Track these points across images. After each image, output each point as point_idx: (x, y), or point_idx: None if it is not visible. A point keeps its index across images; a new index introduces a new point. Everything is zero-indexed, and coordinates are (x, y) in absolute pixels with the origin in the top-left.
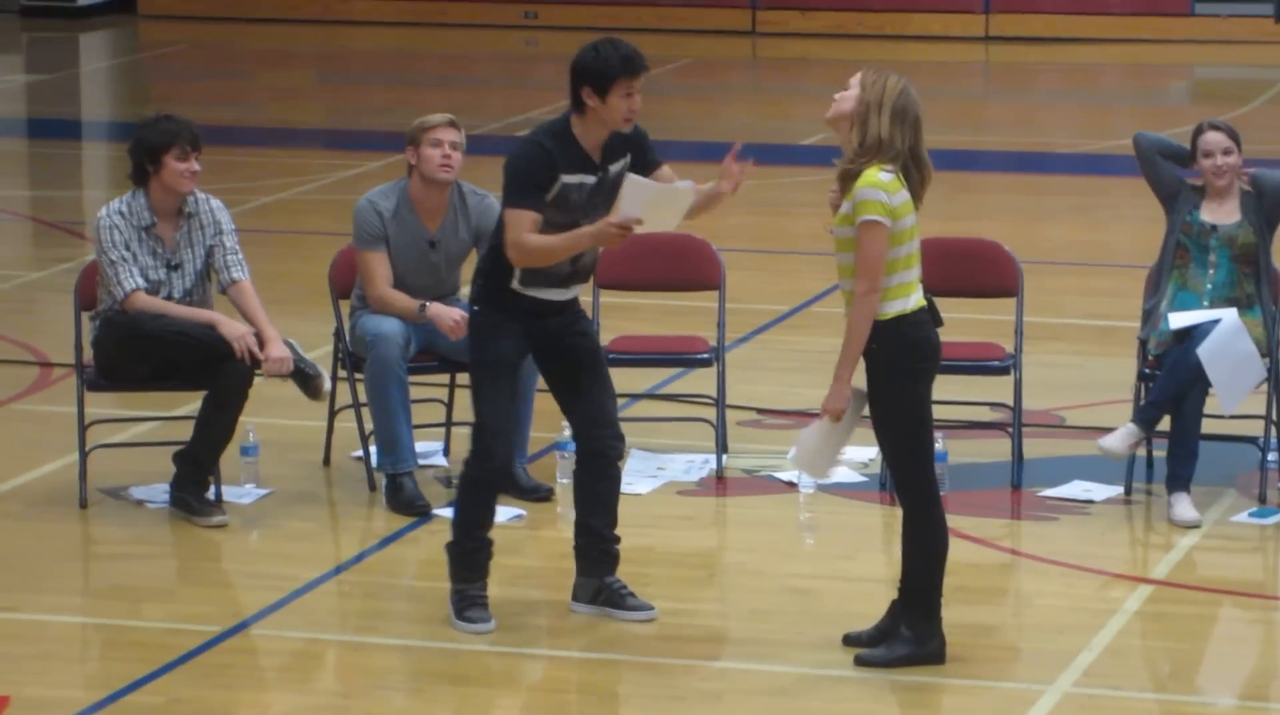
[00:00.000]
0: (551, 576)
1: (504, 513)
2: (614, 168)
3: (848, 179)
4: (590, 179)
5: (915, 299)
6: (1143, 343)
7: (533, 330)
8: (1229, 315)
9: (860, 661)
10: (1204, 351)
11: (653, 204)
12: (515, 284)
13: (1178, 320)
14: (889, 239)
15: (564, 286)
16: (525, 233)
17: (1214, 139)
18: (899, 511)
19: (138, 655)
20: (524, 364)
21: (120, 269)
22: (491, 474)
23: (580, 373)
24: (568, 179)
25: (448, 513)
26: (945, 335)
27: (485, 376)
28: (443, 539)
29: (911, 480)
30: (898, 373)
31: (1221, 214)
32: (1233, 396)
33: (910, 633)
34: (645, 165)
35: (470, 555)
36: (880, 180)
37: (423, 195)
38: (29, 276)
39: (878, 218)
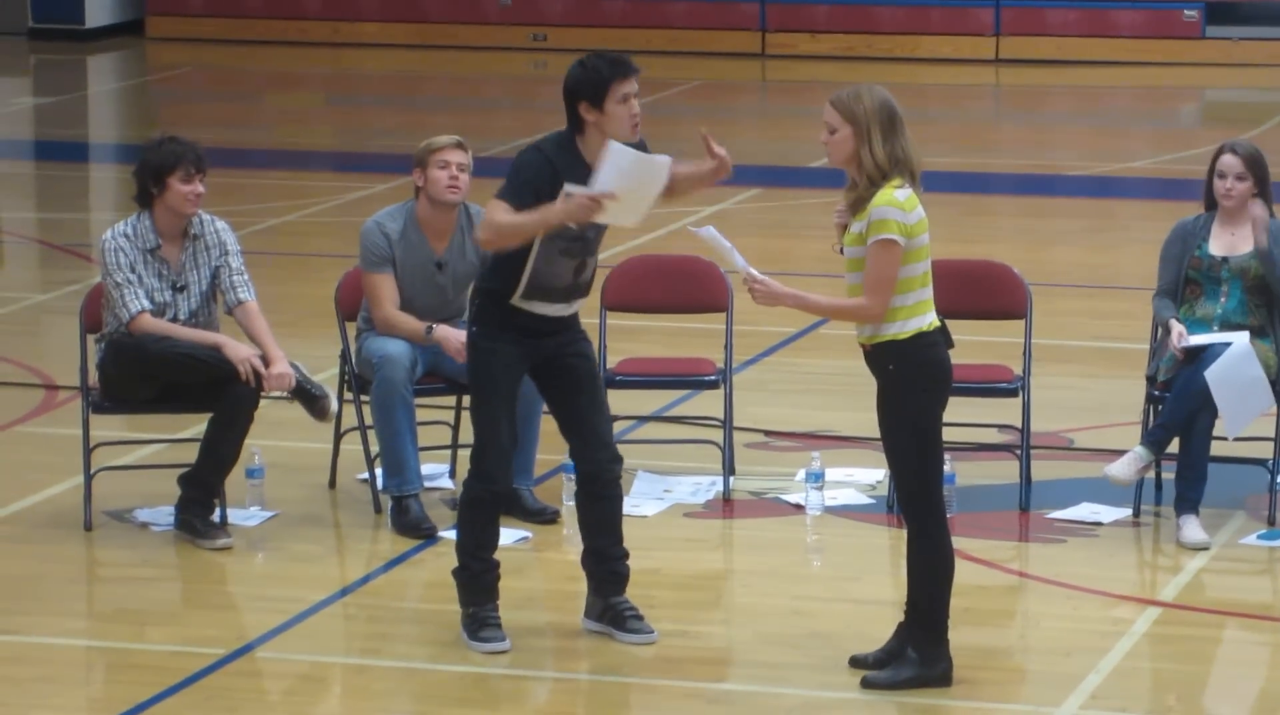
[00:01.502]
0: (557, 599)
1: (510, 535)
2: None
3: (860, 204)
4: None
5: (931, 318)
6: (1150, 379)
7: (531, 350)
8: (1240, 338)
9: (867, 684)
10: (1211, 374)
11: (630, 174)
12: (516, 300)
13: (1209, 373)
14: (905, 257)
15: (565, 300)
16: (501, 214)
17: (1228, 162)
18: (905, 533)
19: (142, 678)
20: (525, 386)
21: (125, 291)
22: (492, 495)
23: (578, 393)
24: (571, 189)
25: (453, 535)
26: (954, 357)
27: (486, 399)
28: (449, 562)
29: (919, 501)
30: (913, 392)
31: (1233, 244)
32: (1238, 421)
33: (917, 655)
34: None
35: (478, 577)
36: (896, 199)
37: (430, 217)
38: (35, 299)
39: (894, 237)
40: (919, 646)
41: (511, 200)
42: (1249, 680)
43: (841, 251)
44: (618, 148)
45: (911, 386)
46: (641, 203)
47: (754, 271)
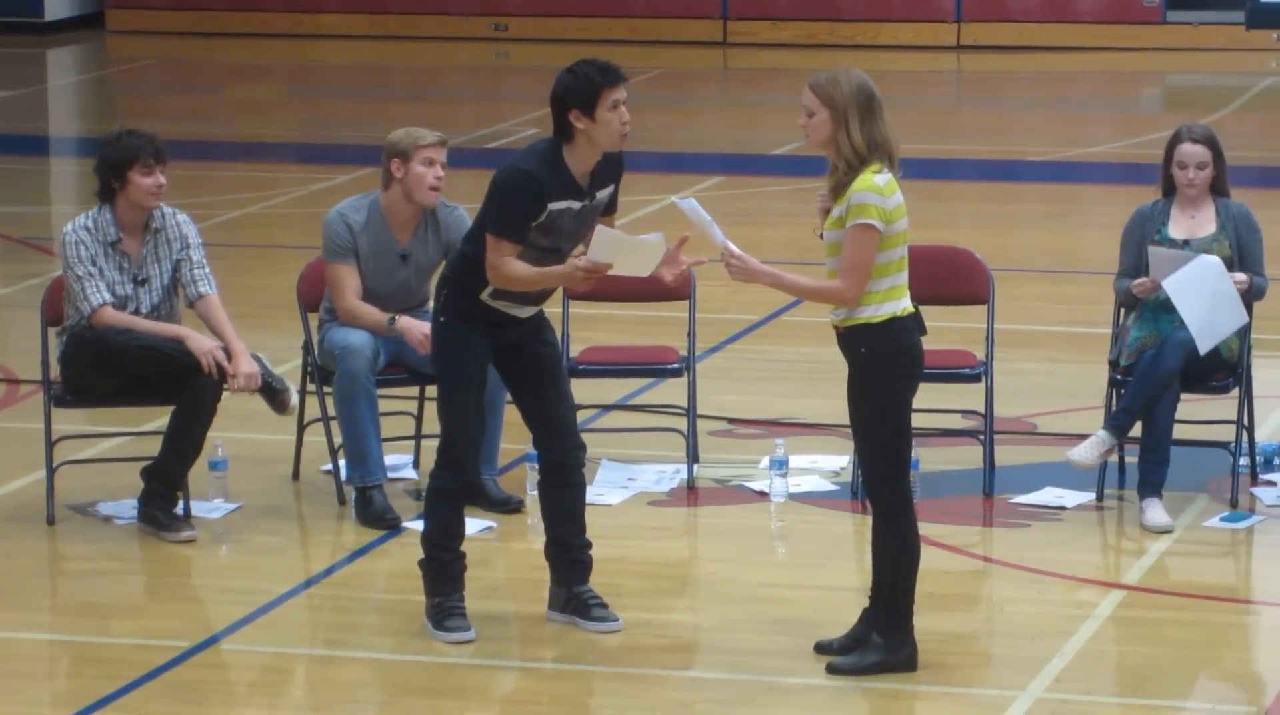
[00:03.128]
0: (522, 588)
1: (474, 525)
2: (600, 194)
3: (840, 189)
4: (576, 205)
5: (905, 304)
6: (1113, 363)
7: (497, 340)
8: (1206, 256)
9: (832, 670)
10: (1170, 282)
11: (622, 254)
12: (485, 296)
13: (1168, 282)
14: (883, 242)
15: (534, 303)
16: (506, 259)
17: (1189, 152)
18: (870, 519)
19: (106, 672)
20: (490, 375)
21: (87, 284)
22: (461, 485)
23: (542, 381)
24: (554, 206)
25: (418, 525)
26: None
27: (452, 388)
28: (413, 552)
29: (886, 486)
30: (884, 377)
31: (1194, 227)
32: (1207, 335)
33: (882, 640)
34: (608, 207)
35: (446, 567)
36: (875, 184)
37: (397, 209)
38: None
39: (872, 222)
40: (884, 632)
41: (511, 237)
42: (1213, 662)
43: (822, 236)
44: (604, 232)
45: (882, 371)
46: (639, 271)
47: (732, 247)
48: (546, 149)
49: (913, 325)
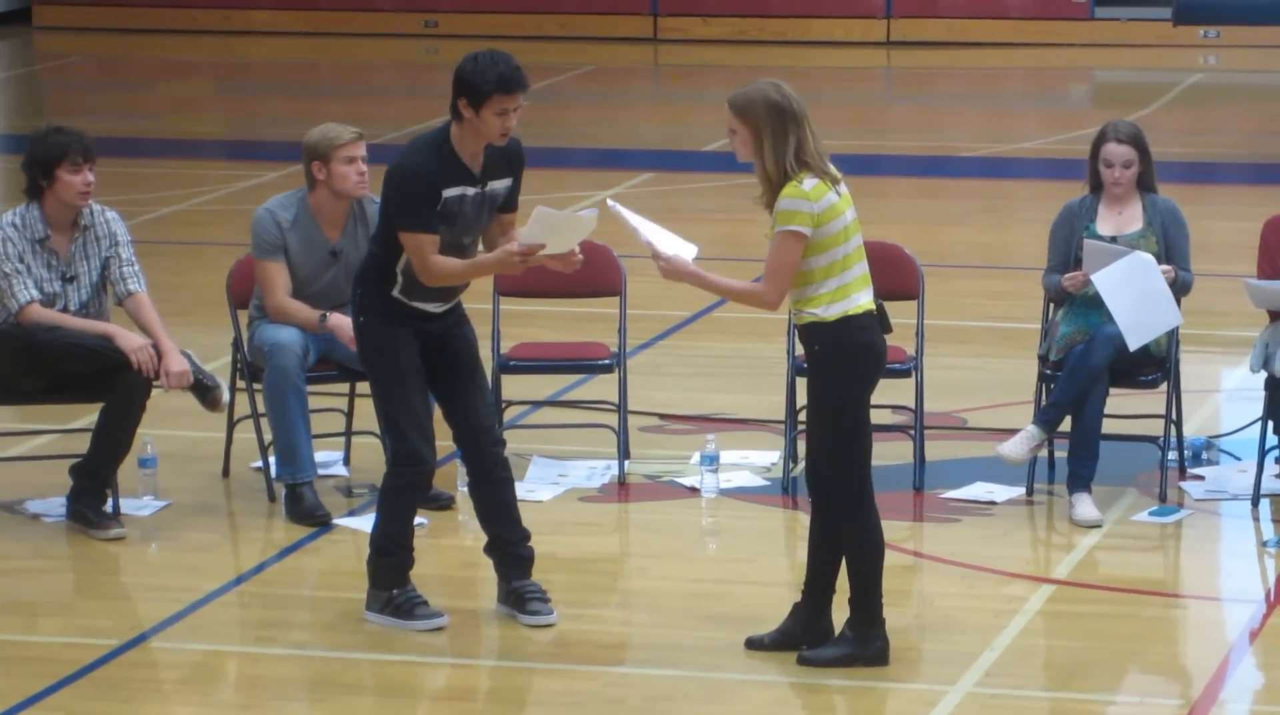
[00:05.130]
0: (453, 585)
1: None
2: (495, 184)
3: (770, 203)
4: (471, 190)
5: (859, 301)
6: (1042, 358)
7: (417, 333)
8: (1139, 253)
9: (802, 661)
10: (1100, 277)
11: (556, 231)
12: (396, 293)
13: (1097, 277)
14: (818, 245)
15: (443, 299)
16: (430, 256)
17: (1115, 151)
18: (801, 515)
19: (35, 670)
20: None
21: (14, 281)
22: (420, 476)
23: (458, 378)
24: (449, 193)
25: (348, 522)
26: None
27: (393, 381)
28: (344, 549)
29: (843, 483)
30: (837, 375)
31: (1121, 223)
32: (1137, 333)
33: (852, 634)
34: (506, 203)
35: (400, 563)
36: (802, 190)
37: (326, 207)
38: None
39: (797, 228)
40: (854, 626)
41: (421, 228)
42: (1142, 655)
43: (767, 238)
44: (544, 212)
45: (834, 368)
46: (567, 246)
47: (660, 249)
48: (434, 136)
49: (868, 322)
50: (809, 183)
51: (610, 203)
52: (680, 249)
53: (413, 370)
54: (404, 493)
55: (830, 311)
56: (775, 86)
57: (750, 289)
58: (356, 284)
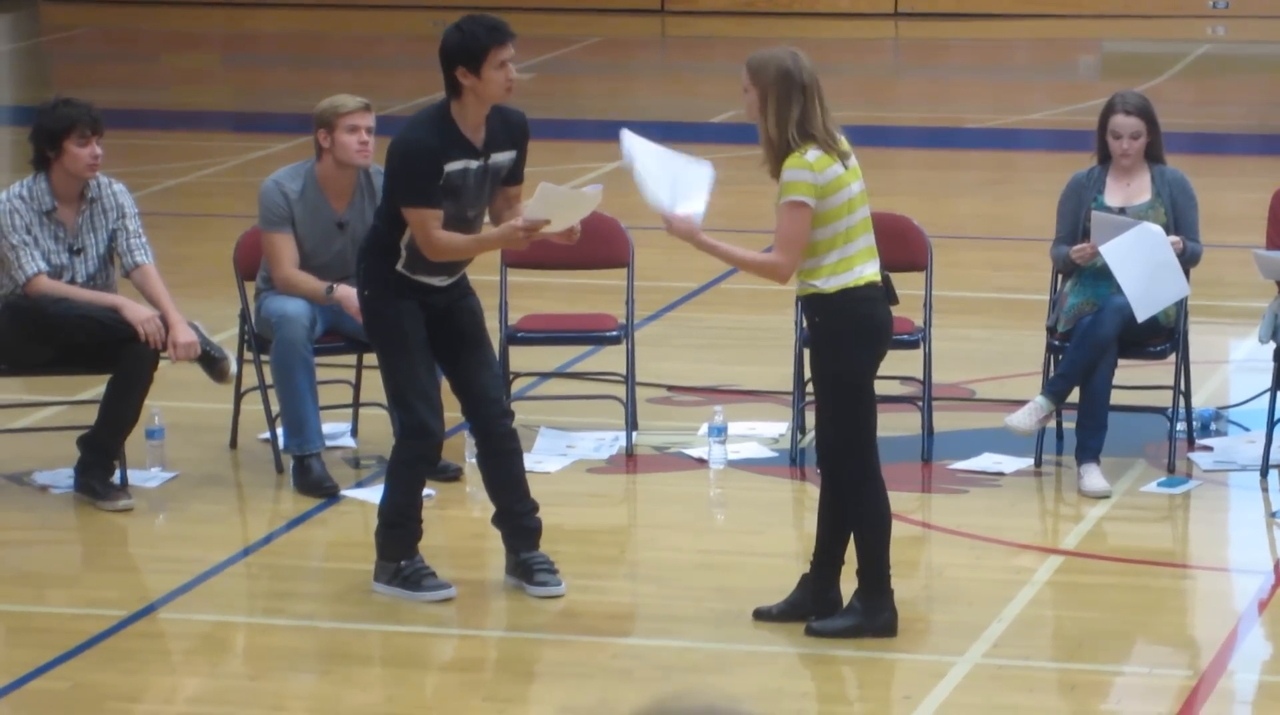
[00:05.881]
0: (461, 556)
1: None
2: (499, 157)
3: (775, 171)
4: (474, 164)
5: (862, 273)
6: (1050, 329)
7: (422, 305)
8: (1148, 224)
9: (811, 632)
10: (1108, 249)
11: (561, 207)
12: (400, 267)
13: (1105, 248)
14: (822, 217)
15: (447, 273)
16: (434, 231)
17: (1122, 123)
18: (809, 487)
19: (42, 641)
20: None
21: (22, 253)
22: (429, 449)
23: (464, 351)
24: (451, 167)
25: (356, 494)
26: None
27: (399, 353)
28: (351, 520)
29: (848, 456)
30: (840, 346)
31: (1130, 194)
32: (1145, 304)
33: (861, 605)
34: (511, 176)
35: (409, 534)
36: (806, 160)
37: (332, 177)
38: None
39: (801, 198)
40: (863, 596)
41: (423, 203)
42: (1150, 626)
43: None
44: (548, 188)
45: (837, 341)
46: (572, 220)
47: (668, 210)
48: (434, 111)
49: (873, 294)
50: (813, 154)
51: (624, 133)
52: (693, 185)
53: (418, 343)
54: (412, 465)
55: (830, 283)
56: (792, 54)
57: (761, 259)
58: (360, 258)
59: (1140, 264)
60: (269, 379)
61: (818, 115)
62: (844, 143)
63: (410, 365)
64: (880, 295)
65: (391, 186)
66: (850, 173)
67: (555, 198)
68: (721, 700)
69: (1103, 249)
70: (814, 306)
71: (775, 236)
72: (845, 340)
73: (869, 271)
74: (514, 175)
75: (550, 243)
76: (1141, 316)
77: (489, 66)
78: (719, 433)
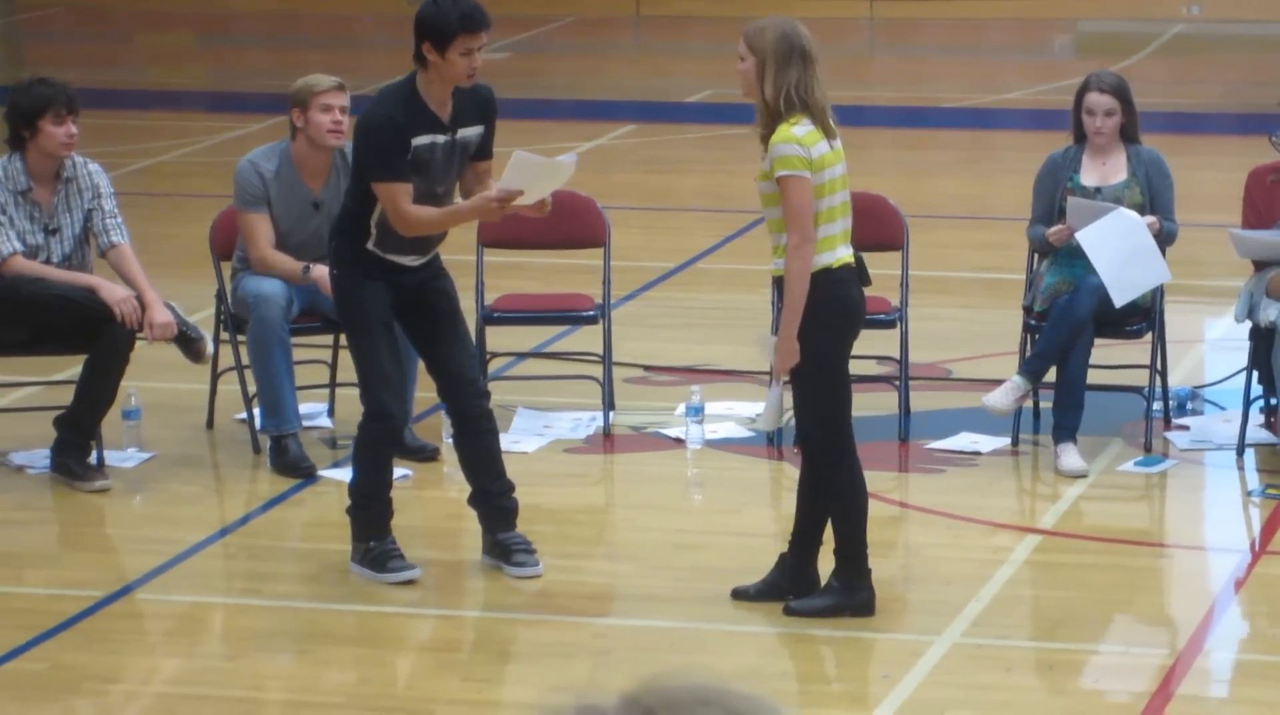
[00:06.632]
0: (439, 537)
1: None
2: (466, 132)
3: (764, 140)
4: (441, 138)
5: (838, 255)
6: (1027, 309)
7: (393, 285)
8: (1125, 209)
9: (789, 611)
10: (1084, 235)
11: (534, 177)
12: (370, 246)
13: (1082, 234)
14: (813, 191)
15: (419, 252)
16: (404, 205)
17: (1096, 100)
18: (787, 466)
19: (19, 621)
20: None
21: None
22: (389, 432)
23: (438, 331)
24: (418, 142)
25: (333, 474)
26: None
27: (362, 335)
28: (329, 500)
29: (825, 436)
30: (813, 328)
31: (1105, 174)
32: (1122, 289)
33: (839, 584)
34: (480, 151)
35: (377, 515)
36: (794, 135)
37: (307, 157)
38: None
39: (796, 172)
40: (840, 576)
41: (392, 177)
42: (1128, 604)
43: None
44: (522, 156)
45: (813, 322)
46: (545, 191)
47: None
48: (400, 85)
49: (846, 276)
50: (801, 128)
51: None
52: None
53: (379, 325)
54: (373, 447)
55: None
56: (790, 23)
57: (794, 267)
58: (332, 237)
59: (1117, 249)
60: (245, 359)
61: (815, 86)
62: (833, 122)
63: (372, 347)
64: (853, 277)
65: (359, 162)
66: (834, 154)
67: (530, 167)
68: (711, 680)
69: (1079, 235)
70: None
71: (785, 214)
72: (820, 322)
73: (844, 253)
74: (483, 150)
75: (526, 219)
76: (1119, 302)
77: (454, 50)
78: (696, 412)
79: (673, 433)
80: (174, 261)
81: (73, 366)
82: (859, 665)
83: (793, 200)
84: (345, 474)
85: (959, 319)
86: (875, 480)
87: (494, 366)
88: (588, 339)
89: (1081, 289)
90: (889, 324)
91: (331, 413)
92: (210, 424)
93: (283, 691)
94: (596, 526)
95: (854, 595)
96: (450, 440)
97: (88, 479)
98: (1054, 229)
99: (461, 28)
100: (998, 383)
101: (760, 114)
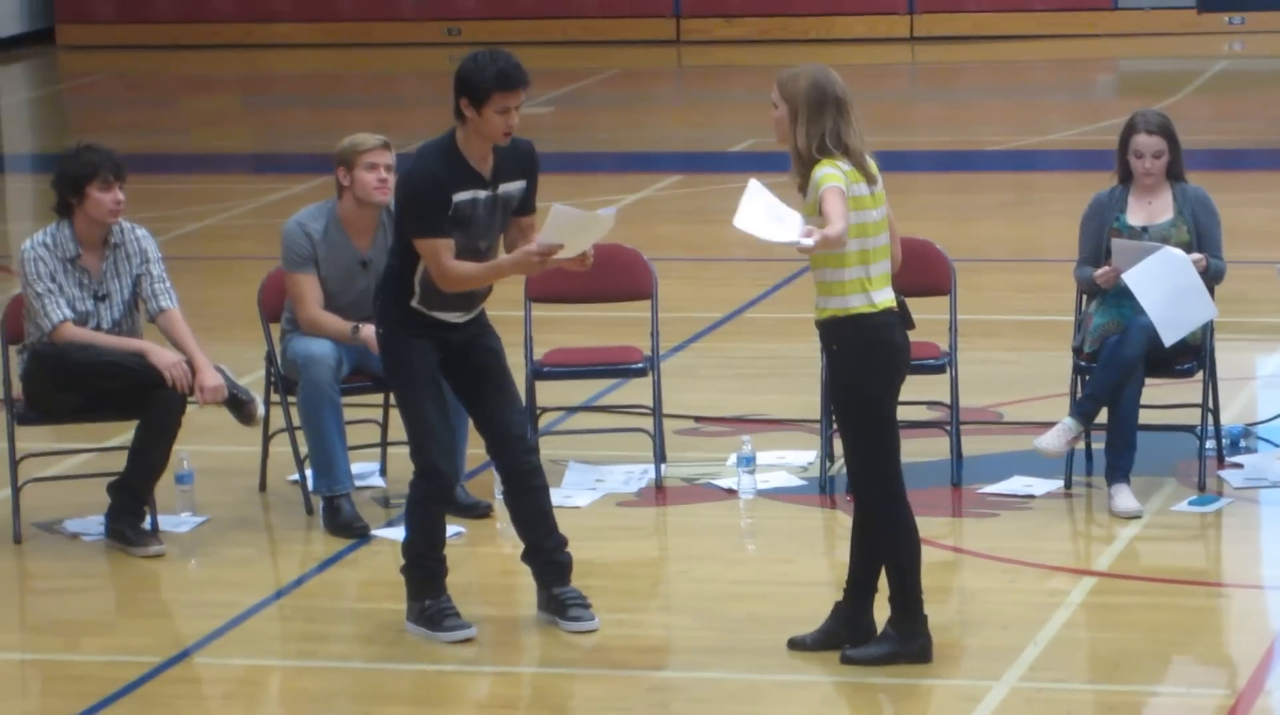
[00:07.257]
0: (494, 593)
1: None
2: (507, 187)
3: (804, 186)
4: (482, 194)
5: (880, 298)
6: (1076, 350)
7: (439, 343)
8: (1170, 248)
9: (846, 660)
10: (1131, 276)
11: (574, 231)
12: (415, 303)
13: (1128, 275)
14: (849, 227)
15: (464, 308)
16: (446, 261)
17: (1145, 143)
18: (840, 514)
19: (78, 689)
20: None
21: (47, 301)
22: (439, 490)
23: (485, 388)
24: (459, 197)
25: (386, 533)
26: None
27: (410, 393)
28: (383, 560)
29: (873, 483)
30: (857, 371)
31: (1152, 213)
32: (1171, 328)
33: (895, 632)
34: (523, 206)
35: (431, 573)
36: (836, 164)
37: (354, 216)
38: None
39: (836, 185)
40: (896, 623)
41: (434, 233)
42: (1185, 645)
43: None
44: (561, 210)
45: (854, 367)
46: (585, 244)
47: (800, 239)
48: (441, 141)
49: (889, 320)
50: (840, 167)
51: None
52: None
53: (427, 381)
54: (425, 505)
55: (849, 304)
56: (823, 70)
57: (829, 227)
58: (377, 296)
59: (1164, 288)
60: (296, 420)
61: (852, 134)
62: (873, 166)
63: (420, 405)
64: (896, 321)
65: (401, 219)
66: (873, 198)
67: (569, 220)
68: None
69: (1126, 276)
70: (832, 332)
71: (825, 217)
72: (864, 366)
73: (886, 297)
74: (525, 205)
75: (572, 273)
76: (1169, 341)
77: (490, 108)
78: (748, 462)
79: (725, 483)
80: (222, 324)
81: (125, 432)
82: (917, 713)
83: (832, 206)
84: (398, 533)
85: (1009, 362)
86: (929, 526)
87: (544, 421)
88: (638, 391)
89: (1131, 329)
90: (939, 369)
91: (384, 472)
92: (263, 486)
93: None
94: (651, 579)
95: (911, 643)
96: (502, 496)
97: (142, 544)
98: (1100, 271)
99: (498, 85)
100: (1049, 425)
101: (794, 162)
